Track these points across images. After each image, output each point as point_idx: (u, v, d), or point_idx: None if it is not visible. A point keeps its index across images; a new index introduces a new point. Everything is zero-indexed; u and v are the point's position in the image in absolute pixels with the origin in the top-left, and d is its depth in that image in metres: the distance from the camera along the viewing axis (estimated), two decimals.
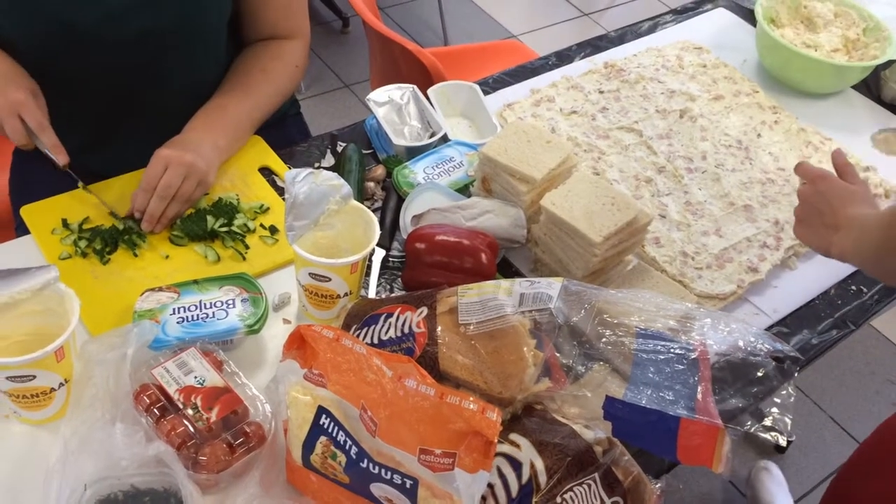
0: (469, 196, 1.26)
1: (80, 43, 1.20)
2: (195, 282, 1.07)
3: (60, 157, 1.18)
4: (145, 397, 0.93)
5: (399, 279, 1.19)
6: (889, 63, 1.62)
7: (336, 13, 3.33)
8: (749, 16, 1.81)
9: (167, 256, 1.17)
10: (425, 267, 1.12)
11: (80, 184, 1.23)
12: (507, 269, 1.22)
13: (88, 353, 0.98)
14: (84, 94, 1.25)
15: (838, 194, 1.03)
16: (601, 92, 1.56)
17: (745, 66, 1.69)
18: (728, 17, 1.84)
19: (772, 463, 2.04)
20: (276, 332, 1.11)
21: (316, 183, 1.04)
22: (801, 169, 1.10)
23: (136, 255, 1.16)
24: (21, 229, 1.32)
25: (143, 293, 1.05)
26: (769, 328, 1.20)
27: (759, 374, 0.83)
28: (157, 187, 1.15)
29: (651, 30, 1.78)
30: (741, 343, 0.85)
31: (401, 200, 1.27)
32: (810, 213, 1.05)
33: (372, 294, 1.16)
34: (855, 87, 1.67)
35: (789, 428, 0.78)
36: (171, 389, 0.94)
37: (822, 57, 1.59)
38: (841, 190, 1.03)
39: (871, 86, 1.67)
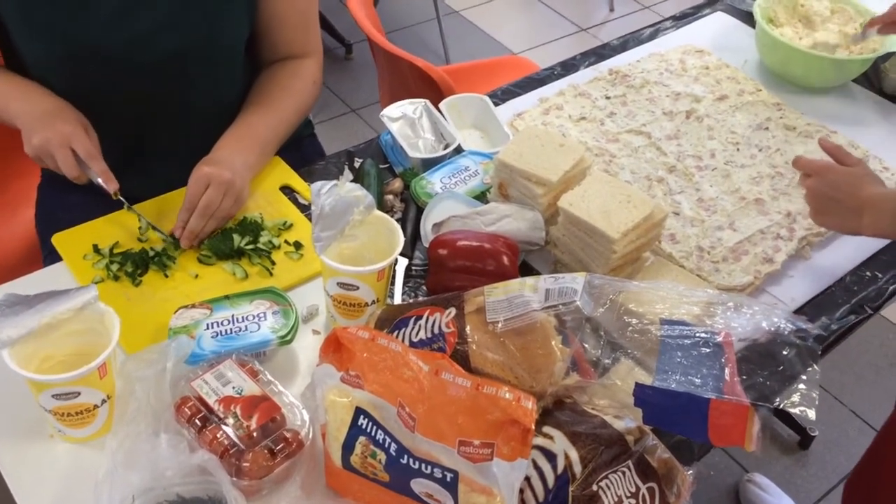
0: (486, 202, 1.29)
1: (106, 67, 1.24)
2: (226, 297, 1.10)
3: (111, 185, 1.21)
4: (186, 409, 0.96)
5: (423, 287, 1.21)
6: (888, 55, 1.65)
7: (339, 40, 3.39)
8: (747, 18, 1.84)
9: (197, 276, 1.20)
10: (449, 272, 1.15)
11: (128, 206, 1.25)
12: (527, 272, 1.25)
13: (127, 370, 1.00)
14: (109, 118, 1.28)
15: (848, 180, 1.12)
16: (608, 98, 1.59)
17: (747, 67, 1.72)
18: (727, 21, 1.88)
19: (756, 474, 1.99)
20: (307, 344, 1.13)
21: (340, 194, 1.07)
22: (800, 163, 1.19)
23: (166, 276, 1.19)
24: (49, 260, 1.35)
25: (176, 311, 1.08)
26: None
27: (785, 353, 0.85)
28: (199, 206, 1.19)
29: (652, 36, 1.82)
30: (765, 324, 0.87)
31: (420, 211, 1.30)
32: (827, 203, 1.14)
33: (397, 302, 1.19)
34: (856, 81, 1.70)
35: (816, 402, 0.80)
36: (211, 400, 0.96)
37: (821, 52, 1.62)
38: (849, 176, 1.13)
39: (871, 79, 1.70)
